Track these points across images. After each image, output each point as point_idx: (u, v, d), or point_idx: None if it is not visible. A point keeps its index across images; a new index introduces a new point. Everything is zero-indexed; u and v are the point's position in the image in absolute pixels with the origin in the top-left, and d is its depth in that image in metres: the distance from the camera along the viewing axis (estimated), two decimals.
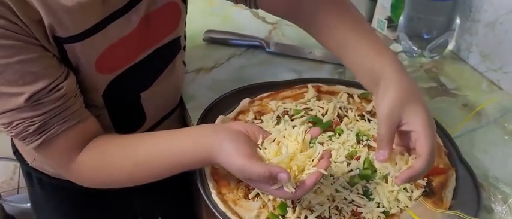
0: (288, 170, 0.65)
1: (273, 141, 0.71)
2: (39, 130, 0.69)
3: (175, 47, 0.89)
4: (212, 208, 0.76)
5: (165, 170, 0.75)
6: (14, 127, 0.68)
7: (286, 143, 0.70)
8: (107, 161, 0.75)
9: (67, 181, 0.79)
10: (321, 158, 0.68)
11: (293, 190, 0.66)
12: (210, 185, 0.80)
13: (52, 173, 0.94)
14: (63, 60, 0.71)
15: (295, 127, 0.71)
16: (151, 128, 0.93)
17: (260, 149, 0.70)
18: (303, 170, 0.68)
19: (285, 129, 0.72)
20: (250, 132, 0.72)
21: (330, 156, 0.69)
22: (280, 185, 0.67)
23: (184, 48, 0.94)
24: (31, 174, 1.00)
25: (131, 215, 1.17)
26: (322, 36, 0.83)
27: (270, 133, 0.72)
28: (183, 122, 1.03)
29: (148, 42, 0.81)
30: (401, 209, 0.76)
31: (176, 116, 1.00)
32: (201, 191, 0.79)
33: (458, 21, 1.15)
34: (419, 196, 0.78)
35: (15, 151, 0.98)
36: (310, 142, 0.71)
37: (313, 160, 0.68)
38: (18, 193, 2.04)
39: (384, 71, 0.72)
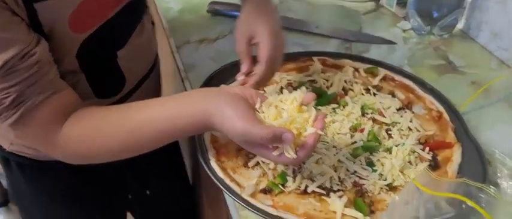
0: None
1: (271, 105, 0.69)
2: (15, 102, 0.65)
3: (141, 3, 0.88)
4: (210, 175, 0.74)
5: (160, 137, 0.71)
6: None
7: (284, 107, 0.68)
8: (96, 131, 0.71)
9: (51, 162, 0.75)
10: (315, 120, 0.67)
11: (294, 155, 0.64)
12: (210, 153, 0.78)
13: (33, 155, 0.88)
14: (35, 25, 0.67)
15: (292, 92, 0.70)
16: (132, 92, 0.89)
17: (259, 112, 0.68)
18: (300, 134, 0.66)
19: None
20: (248, 95, 0.69)
21: (325, 116, 0.67)
22: (281, 150, 0.65)
23: (147, 8, 0.92)
24: (9, 160, 0.93)
25: (121, 192, 1.14)
26: None
27: (267, 97, 0.70)
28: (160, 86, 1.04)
29: None
30: (405, 181, 0.75)
31: (154, 78, 0.98)
32: (200, 158, 0.77)
33: None
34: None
35: None
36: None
37: (309, 123, 0.67)
38: None
39: None
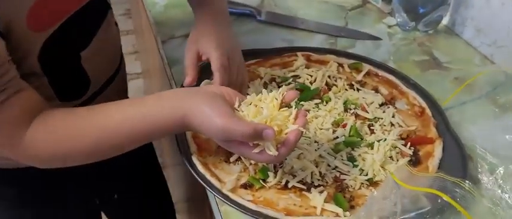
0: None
1: (250, 104, 0.68)
2: None
3: (104, 1, 0.87)
4: (191, 170, 0.74)
5: (136, 138, 0.69)
6: None
7: (264, 106, 0.68)
8: (68, 132, 0.68)
9: (16, 169, 0.73)
10: (296, 117, 0.66)
11: (276, 152, 0.64)
12: (191, 148, 0.78)
13: None
14: None
15: (272, 91, 0.69)
16: (96, 94, 0.86)
17: (238, 111, 0.68)
18: (281, 132, 0.66)
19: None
20: (226, 94, 0.69)
21: (306, 114, 0.67)
22: (261, 148, 0.65)
23: (110, 6, 0.90)
24: None
25: (91, 194, 1.09)
26: None
27: (246, 97, 0.70)
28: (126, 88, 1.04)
29: None
30: (385, 176, 0.75)
31: (120, 80, 0.96)
32: (181, 153, 0.77)
33: None
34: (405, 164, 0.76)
35: None
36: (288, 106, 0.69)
37: (290, 120, 0.67)
38: None
39: (198, 14, 0.88)
